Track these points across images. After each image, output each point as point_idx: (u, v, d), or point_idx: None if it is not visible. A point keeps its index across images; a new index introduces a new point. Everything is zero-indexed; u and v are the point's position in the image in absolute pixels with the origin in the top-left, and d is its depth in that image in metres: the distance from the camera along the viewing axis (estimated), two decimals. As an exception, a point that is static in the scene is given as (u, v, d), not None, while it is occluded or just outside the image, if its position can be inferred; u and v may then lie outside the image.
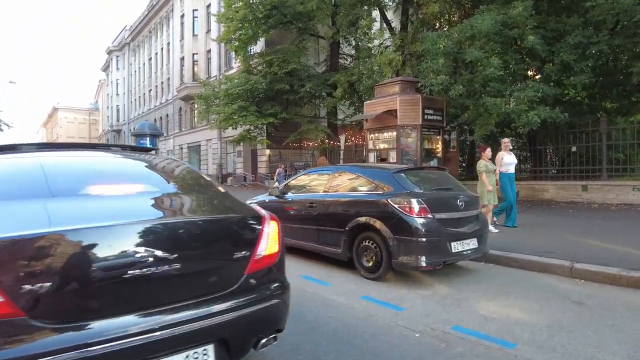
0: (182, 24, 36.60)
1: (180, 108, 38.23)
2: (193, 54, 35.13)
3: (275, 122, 21.93)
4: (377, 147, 13.07)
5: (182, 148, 39.06)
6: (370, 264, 4.82)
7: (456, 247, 4.62)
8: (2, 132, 53.64)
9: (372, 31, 19.64)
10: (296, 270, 5.05)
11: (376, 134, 13.06)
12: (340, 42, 22.27)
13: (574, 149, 12.14)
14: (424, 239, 4.44)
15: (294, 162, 22.46)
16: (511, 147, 8.45)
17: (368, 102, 13.43)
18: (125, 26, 52.93)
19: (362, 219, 4.91)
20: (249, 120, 21.20)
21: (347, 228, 5.05)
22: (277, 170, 19.28)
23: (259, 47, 24.85)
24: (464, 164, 16.45)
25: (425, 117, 12.20)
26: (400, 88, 12.45)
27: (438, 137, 12.98)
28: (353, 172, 5.61)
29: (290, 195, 6.25)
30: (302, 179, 6.44)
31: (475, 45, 10.60)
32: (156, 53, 44.33)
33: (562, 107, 11.58)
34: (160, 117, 43.17)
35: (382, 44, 19.18)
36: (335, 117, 22.12)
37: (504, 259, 5.62)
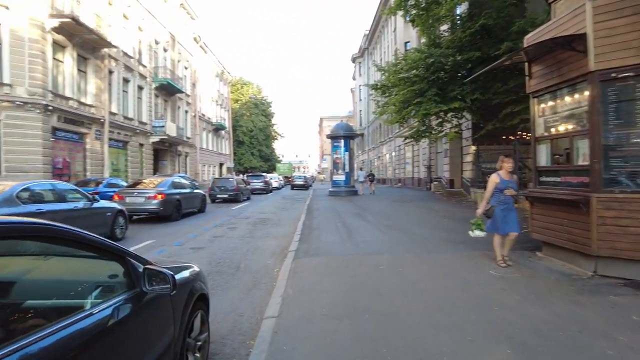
0: (395, 13, 33.35)
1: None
2: (405, 43, 31.31)
3: (463, 106, 15.51)
4: (551, 131, 5.90)
5: (400, 148, 35.86)
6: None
7: None
8: (277, 140, 65.75)
9: None
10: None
11: (549, 102, 5.91)
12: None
13: None
14: None
15: (481, 164, 15.22)
16: None
17: (530, 34, 6.26)
18: (365, 32, 54.09)
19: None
20: (423, 109, 15.67)
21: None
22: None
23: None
24: None
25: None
26: (606, -18, 5.04)
27: None
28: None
29: None
30: None
31: None
32: (384, 52, 42.81)
33: None
34: (386, 118, 41.41)
35: None
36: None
37: None
